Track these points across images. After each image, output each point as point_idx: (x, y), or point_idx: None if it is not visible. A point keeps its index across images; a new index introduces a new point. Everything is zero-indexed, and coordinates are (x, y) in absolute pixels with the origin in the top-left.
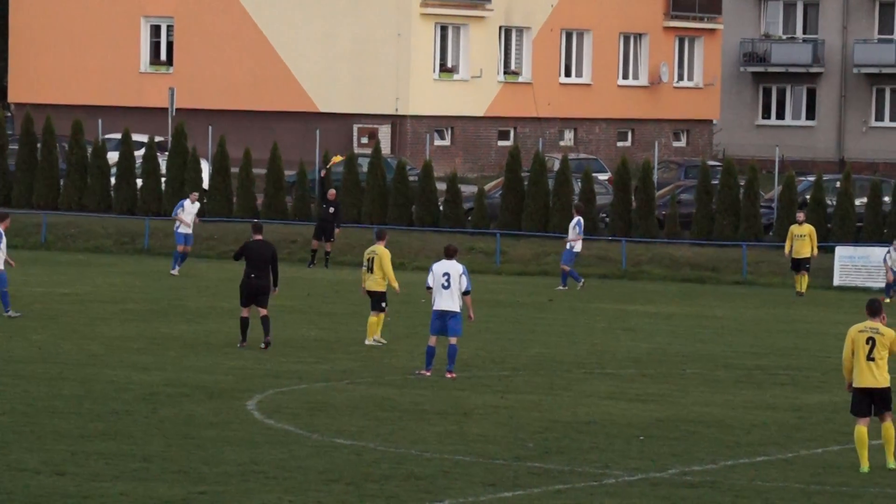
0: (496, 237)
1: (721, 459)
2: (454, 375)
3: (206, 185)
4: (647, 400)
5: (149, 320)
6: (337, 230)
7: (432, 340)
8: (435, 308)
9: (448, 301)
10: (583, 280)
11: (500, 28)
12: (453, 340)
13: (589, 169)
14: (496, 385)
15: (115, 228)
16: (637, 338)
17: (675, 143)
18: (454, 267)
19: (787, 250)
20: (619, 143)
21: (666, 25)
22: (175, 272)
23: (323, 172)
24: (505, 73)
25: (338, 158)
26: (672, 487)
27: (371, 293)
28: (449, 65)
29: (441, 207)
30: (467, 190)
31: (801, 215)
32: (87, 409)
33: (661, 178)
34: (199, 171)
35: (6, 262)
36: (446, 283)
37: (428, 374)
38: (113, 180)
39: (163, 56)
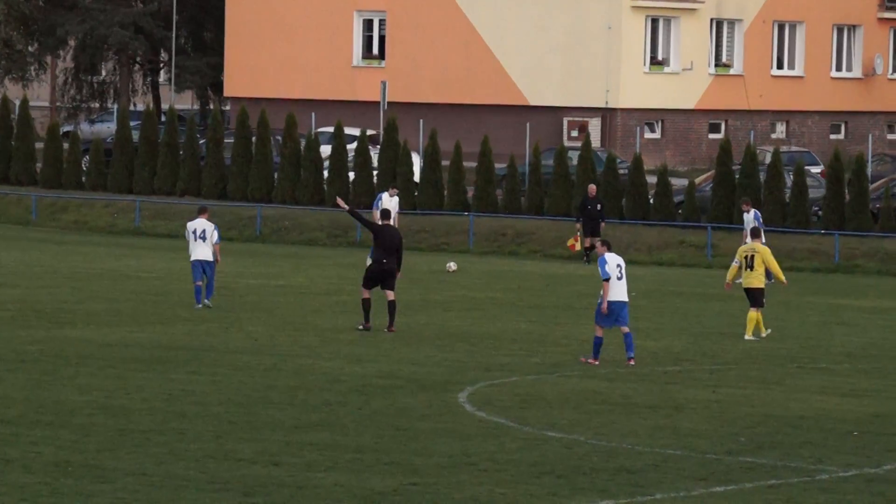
0: (707, 230)
1: None
2: (634, 362)
3: (416, 178)
4: (862, 395)
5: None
6: (602, 224)
7: (600, 332)
8: (610, 299)
9: (622, 292)
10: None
11: (712, 20)
12: (627, 329)
13: (801, 162)
14: (707, 379)
15: (327, 221)
16: (851, 332)
17: (889, 136)
18: (622, 260)
19: None
20: (832, 136)
21: (880, 17)
22: None
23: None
24: (716, 65)
25: (572, 242)
26: (887, 484)
27: (751, 290)
28: (659, 57)
29: (651, 201)
30: (678, 183)
31: None
32: (301, 399)
33: (874, 171)
34: (411, 164)
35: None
36: (620, 275)
37: (596, 363)
38: (326, 173)
39: (375, 50)
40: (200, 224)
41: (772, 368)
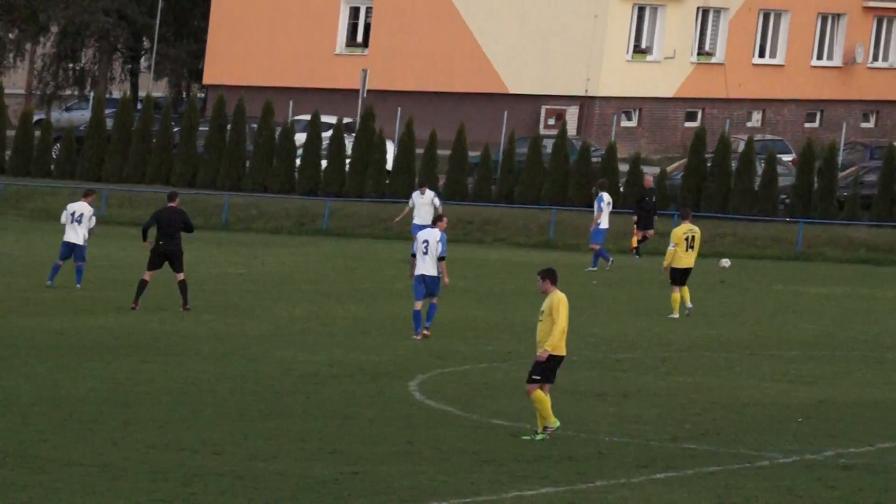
0: (673, 218)
1: (878, 442)
2: (429, 333)
3: (389, 166)
4: (809, 382)
5: (319, 301)
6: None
7: (418, 305)
8: (416, 273)
9: (427, 266)
10: (611, 259)
11: (698, 9)
12: (434, 300)
13: (773, 150)
14: (659, 366)
15: (295, 210)
16: (805, 319)
17: (863, 125)
18: (433, 234)
19: None
20: (807, 125)
21: (866, 5)
22: None
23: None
24: (698, 53)
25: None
26: (826, 469)
27: (684, 270)
28: (643, 46)
29: (622, 189)
30: (649, 171)
31: None
32: (250, 388)
33: (846, 160)
34: (384, 152)
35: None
36: (425, 250)
37: (419, 337)
38: (298, 161)
39: (359, 38)
40: (80, 207)
41: (723, 355)
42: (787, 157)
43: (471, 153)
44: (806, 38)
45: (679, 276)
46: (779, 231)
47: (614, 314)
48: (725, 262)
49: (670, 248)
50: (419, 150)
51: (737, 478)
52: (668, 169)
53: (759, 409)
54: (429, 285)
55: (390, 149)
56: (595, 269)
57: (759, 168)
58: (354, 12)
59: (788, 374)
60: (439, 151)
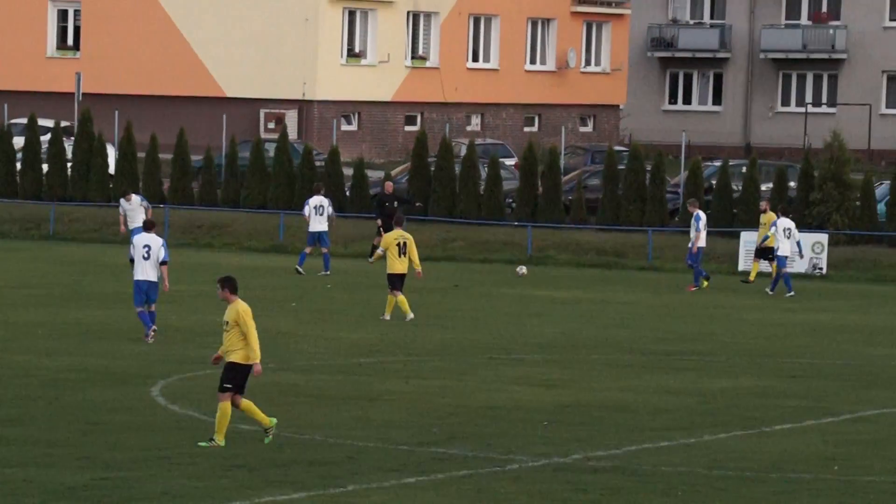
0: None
1: (625, 444)
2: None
3: (111, 170)
4: (553, 385)
5: (54, 306)
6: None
7: (140, 309)
8: (136, 279)
9: (149, 271)
10: (302, 265)
11: (409, 13)
12: (153, 307)
13: (495, 154)
14: (402, 371)
15: (20, 214)
16: (543, 323)
17: (582, 129)
18: (154, 240)
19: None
20: (526, 129)
21: (574, 10)
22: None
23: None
24: (412, 58)
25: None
26: (575, 473)
27: (399, 276)
28: (357, 50)
29: (347, 193)
30: (374, 175)
31: (764, 204)
32: None
33: (567, 164)
34: (106, 156)
35: None
36: (146, 255)
37: (151, 336)
38: (18, 166)
39: (69, 41)
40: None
41: (465, 359)
42: (509, 161)
43: (193, 157)
44: (518, 42)
45: (395, 282)
46: (508, 235)
47: (354, 318)
48: (522, 270)
49: (379, 252)
50: (141, 154)
51: (489, 481)
52: (393, 173)
53: (505, 412)
54: (148, 291)
55: (111, 152)
56: (328, 272)
57: (483, 172)
58: (63, 15)
59: (532, 378)
60: (161, 155)
